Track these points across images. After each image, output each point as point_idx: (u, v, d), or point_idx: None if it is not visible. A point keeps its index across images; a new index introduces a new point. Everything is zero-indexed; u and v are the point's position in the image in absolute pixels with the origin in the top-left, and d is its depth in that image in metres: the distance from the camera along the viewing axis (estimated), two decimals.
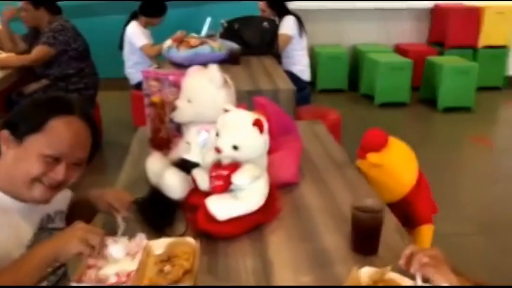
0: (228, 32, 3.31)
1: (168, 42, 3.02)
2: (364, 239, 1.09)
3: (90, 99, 3.24)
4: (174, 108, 1.33)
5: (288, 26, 3.55)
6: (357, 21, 5.35)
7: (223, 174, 1.14)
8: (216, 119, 1.30)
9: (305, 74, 3.70)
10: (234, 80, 1.38)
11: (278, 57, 3.42)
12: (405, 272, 0.98)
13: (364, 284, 0.96)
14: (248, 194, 1.15)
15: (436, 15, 5.29)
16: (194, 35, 3.48)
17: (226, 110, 1.17)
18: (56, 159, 1.02)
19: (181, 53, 2.83)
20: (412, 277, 0.95)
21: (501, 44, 5.12)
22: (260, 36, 3.30)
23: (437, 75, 4.64)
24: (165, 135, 1.52)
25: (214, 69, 1.31)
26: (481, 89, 4.79)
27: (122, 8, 4.86)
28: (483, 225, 2.74)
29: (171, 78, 1.44)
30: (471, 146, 3.97)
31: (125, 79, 4.08)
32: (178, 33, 3.37)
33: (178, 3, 4.62)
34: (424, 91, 4.88)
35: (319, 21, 5.10)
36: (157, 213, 1.21)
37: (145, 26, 3.71)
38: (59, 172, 1.03)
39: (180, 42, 2.89)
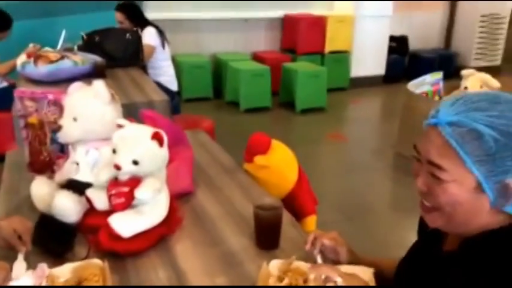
0: (89, 45, 3.18)
1: (22, 58, 2.78)
2: (268, 235, 1.18)
3: None
4: (58, 128, 1.27)
5: (150, 36, 3.54)
6: (214, 31, 5.55)
7: (124, 191, 1.13)
8: (105, 135, 1.28)
9: (172, 84, 3.74)
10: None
11: (144, 68, 3.39)
12: (307, 259, 1.09)
13: (275, 275, 1.04)
14: (151, 208, 1.16)
15: (286, 24, 5.74)
16: (48, 49, 3.27)
17: (120, 126, 1.16)
18: None
19: (41, 69, 2.63)
20: (314, 262, 1.07)
21: (343, 49, 5.77)
22: (123, 48, 3.23)
23: (293, 80, 5.04)
24: (47, 158, 1.43)
25: (99, 85, 1.29)
26: (330, 90, 5.32)
27: None
28: (347, 212, 3.07)
29: (50, 96, 1.37)
30: (328, 142, 4.40)
31: None
32: (31, 47, 3.13)
33: (25, 14, 4.28)
34: (283, 95, 5.25)
35: (178, 31, 5.16)
36: (53, 240, 1.14)
37: None
38: None
39: (37, 57, 2.69)
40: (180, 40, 5.20)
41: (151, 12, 4.58)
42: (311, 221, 1.66)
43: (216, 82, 5.37)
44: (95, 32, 3.22)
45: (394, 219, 3.09)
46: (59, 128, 1.27)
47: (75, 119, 1.27)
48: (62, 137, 1.28)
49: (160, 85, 3.29)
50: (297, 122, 4.88)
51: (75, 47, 3.36)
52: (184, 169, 1.45)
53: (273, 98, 5.11)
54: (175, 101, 3.62)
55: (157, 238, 1.18)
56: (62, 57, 2.73)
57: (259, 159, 1.60)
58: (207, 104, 5.19)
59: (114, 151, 1.13)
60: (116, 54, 3.17)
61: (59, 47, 3.39)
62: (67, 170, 1.33)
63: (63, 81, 2.71)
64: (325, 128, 4.74)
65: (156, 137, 1.13)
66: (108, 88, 1.30)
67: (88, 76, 2.84)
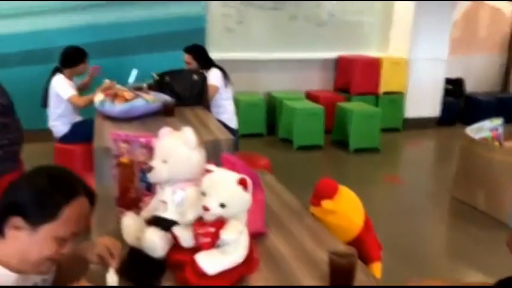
0: (159, 85, 3.38)
1: (100, 96, 3.01)
2: (342, 281, 1.23)
3: (14, 155, 3.08)
4: (149, 169, 1.39)
5: (215, 77, 3.73)
6: (270, 70, 5.73)
7: (211, 231, 1.22)
8: (190, 177, 1.40)
9: (232, 122, 3.88)
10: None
11: (207, 107, 3.56)
12: None
13: None
14: (234, 248, 1.24)
15: (340, 65, 5.85)
16: (120, 86, 3.52)
17: (208, 170, 1.27)
18: (66, 239, 1.08)
19: (117, 107, 2.84)
20: None
21: (398, 91, 5.80)
22: (190, 88, 3.41)
23: (347, 120, 5.10)
24: (134, 195, 1.56)
25: (188, 132, 1.41)
26: (383, 130, 5.32)
27: (35, 58, 4.74)
28: (402, 257, 3.00)
29: (142, 140, 1.51)
30: (383, 183, 4.38)
31: (44, 131, 3.96)
32: (107, 83, 3.38)
33: (98, 53, 4.63)
34: (336, 134, 5.31)
35: (237, 70, 5.33)
36: (144, 272, 1.25)
37: (71, 77, 3.65)
38: (67, 248, 1.09)
39: (114, 96, 2.91)
40: (238, 79, 5.36)
41: (213, 52, 4.79)
42: (377, 268, 1.69)
43: (270, 119, 5.52)
44: (165, 73, 3.43)
45: (449, 265, 3.02)
46: (150, 169, 1.40)
47: (164, 162, 1.39)
48: (152, 177, 1.40)
49: (221, 123, 3.42)
50: (350, 162, 4.90)
51: (145, 86, 3.60)
52: (258, 211, 1.53)
53: (325, 136, 5.18)
54: (235, 138, 3.76)
55: (238, 277, 1.25)
56: (136, 96, 2.93)
57: (326, 204, 1.66)
58: (261, 140, 5.32)
59: (203, 194, 1.24)
60: (183, 94, 3.35)
61: (130, 84, 3.64)
62: (153, 208, 1.45)
63: (136, 118, 2.92)
64: (379, 169, 4.73)
65: (242, 182, 1.23)
66: (195, 134, 1.43)
67: (158, 114, 3.04)
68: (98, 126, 2.84)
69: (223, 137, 2.69)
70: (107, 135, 2.62)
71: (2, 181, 3.03)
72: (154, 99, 3.04)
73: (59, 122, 3.61)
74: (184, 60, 3.83)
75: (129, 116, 2.88)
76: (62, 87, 3.53)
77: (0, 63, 4.59)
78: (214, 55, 4.26)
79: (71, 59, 3.66)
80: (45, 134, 4.06)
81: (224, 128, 3.00)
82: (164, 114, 3.04)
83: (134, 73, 3.71)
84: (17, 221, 1.04)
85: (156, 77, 3.42)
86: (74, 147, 3.61)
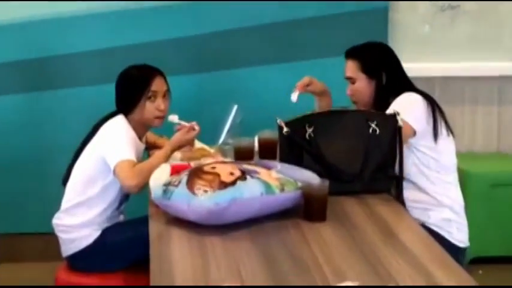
0: (291, 143, 3.30)
1: (164, 175, 2.98)
2: None
3: None
4: None
5: (411, 110, 3.57)
6: None
7: None
8: None
9: (459, 231, 3.66)
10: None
11: (398, 196, 3.39)
12: None
13: None
14: None
15: None
16: (202, 145, 3.56)
17: None
18: None
19: (202, 201, 2.70)
20: None
21: None
22: (362, 154, 3.28)
23: None
24: None
25: None
26: None
27: (21, 85, 5.23)
28: None
29: None
30: None
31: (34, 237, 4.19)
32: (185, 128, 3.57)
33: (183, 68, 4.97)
34: None
35: (453, 101, 5.40)
36: None
37: (140, 130, 3.84)
38: None
39: (193, 174, 2.82)
40: (459, 122, 5.37)
41: (405, 61, 4.82)
42: None
43: None
44: (305, 117, 3.32)
45: None
46: None
47: None
48: None
49: (432, 232, 3.28)
50: None
51: (256, 142, 3.72)
52: None
53: None
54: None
55: None
56: (243, 175, 2.88)
57: None
58: None
59: None
60: (345, 168, 3.27)
61: (222, 138, 3.69)
62: None
63: (242, 224, 2.87)
64: None
65: None
66: None
67: (290, 214, 2.96)
68: (156, 240, 2.84)
69: (443, 277, 2.48)
70: (178, 266, 2.57)
71: None
72: (283, 180, 2.96)
73: (79, 220, 3.72)
74: (347, 76, 3.81)
75: (227, 221, 2.80)
76: (116, 141, 3.63)
77: None
78: (408, 66, 4.24)
79: (119, 93, 3.85)
80: (34, 245, 4.29)
81: (442, 247, 2.79)
82: (305, 215, 2.95)
83: (233, 112, 3.88)
84: None
85: (286, 128, 3.32)
86: (101, 279, 3.71)
